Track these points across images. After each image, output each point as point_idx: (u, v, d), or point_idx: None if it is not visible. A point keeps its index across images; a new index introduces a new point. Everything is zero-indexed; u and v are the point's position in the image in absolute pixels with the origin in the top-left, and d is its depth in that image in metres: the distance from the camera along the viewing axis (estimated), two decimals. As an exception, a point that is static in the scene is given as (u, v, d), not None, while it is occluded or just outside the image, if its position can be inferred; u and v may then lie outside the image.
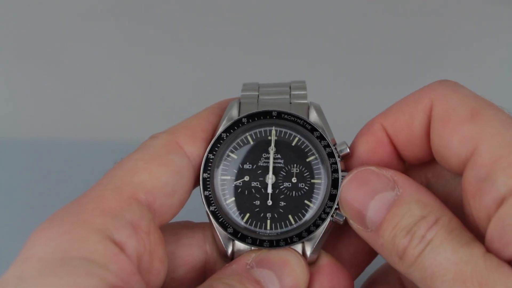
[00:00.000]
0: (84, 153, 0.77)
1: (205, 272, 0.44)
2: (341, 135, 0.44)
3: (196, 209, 0.44)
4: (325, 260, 0.43)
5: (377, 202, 0.38)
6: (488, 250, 0.35)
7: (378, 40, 0.84)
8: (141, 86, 0.83)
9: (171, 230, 0.43)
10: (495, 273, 0.33)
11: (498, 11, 0.87)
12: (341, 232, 0.46)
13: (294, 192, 0.43)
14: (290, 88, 0.45)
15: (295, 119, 0.43)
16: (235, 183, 0.43)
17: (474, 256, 0.34)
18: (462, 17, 0.86)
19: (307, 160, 0.43)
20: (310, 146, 0.43)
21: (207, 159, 0.43)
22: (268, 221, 0.43)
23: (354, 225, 0.40)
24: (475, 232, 0.37)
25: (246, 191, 0.43)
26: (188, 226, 0.44)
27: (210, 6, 0.87)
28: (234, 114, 0.44)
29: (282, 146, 0.44)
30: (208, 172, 0.43)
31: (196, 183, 0.43)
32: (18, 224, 0.66)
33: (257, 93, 0.45)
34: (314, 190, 0.43)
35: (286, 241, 0.42)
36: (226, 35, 0.86)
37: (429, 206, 0.37)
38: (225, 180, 0.43)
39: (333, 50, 0.84)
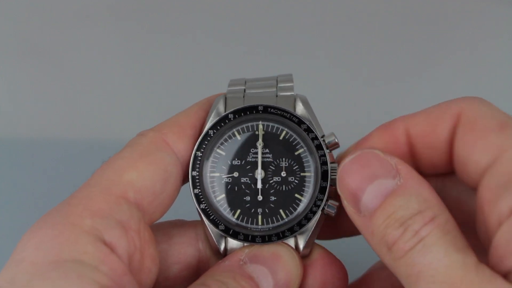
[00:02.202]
0: (84, 153, 0.78)
1: (198, 269, 0.43)
2: (337, 131, 0.44)
3: (187, 207, 0.44)
4: (318, 253, 0.42)
5: (375, 188, 0.37)
6: (490, 258, 0.34)
7: (377, 38, 0.84)
8: (141, 86, 0.84)
9: (163, 229, 0.43)
10: (487, 284, 0.32)
11: (498, 11, 0.86)
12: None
13: (284, 186, 0.43)
14: (277, 81, 0.45)
15: (282, 113, 0.43)
16: (224, 179, 0.43)
17: (467, 263, 0.33)
18: (461, 15, 0.86)
19: (296, 153, 0.43)
20: (298, 139, 0.43)
21: (195, 156, 0.42)
22: (259, 217, 0.43)
23: (348, 207, 0.39)
24: (484, 244, 0.36)
25: (236, 187, 0.43)
26: (180, 225, 0.44)
27: (203, 3, 0.88)
28: (220, 109, 0.43)
29: (270, 140, 0.43)
30: (197, 169, 0.42)
31: (184, 181, 0.43)
32: (18, 225, 0.66)
33: (243, 87, 0.45)
34: (304, 183, 0.43)
35: (278, 236, 0.41)
36: (219, 32, 0.86)
37: (428, 202, 0.36)
38: (214, 177, 0.43)
39: (330, 48, 0.84)
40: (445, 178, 0.42)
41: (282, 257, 0.40)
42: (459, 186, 0.42)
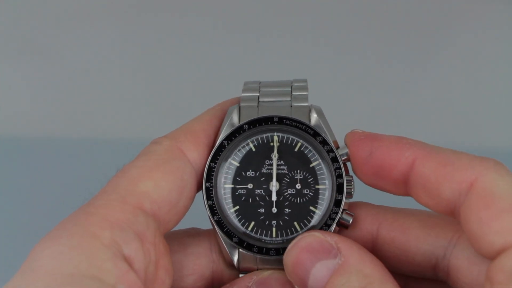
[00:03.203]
0: (84, 153, 0.77)
1: (213, 281, 0.43)
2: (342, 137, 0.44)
3: (197, 213, 0.43)
4: None
5: (318, 270, 0.38)
6: None
7: (379, 41, 0.84)
8: (142, 85, 0.84)
9: (178, 239, 0.43)
10: None
11: (498, 10, 0.86)
12: None
13: (298, 198, 0.42)
14: (291, 88, 0.44)
15: (297, 124, 0.42)
16: (238, 191, 0.43)
17: None
18: (462, 19, 0.86)
19: (311, 165, 0.43)
20: (313, 151, 0.43)
21: (209, 167, 0.42)
22: (274, 229, 0.42)
23: None
24: None
25: (250, 199, 0.43)
26: (194, 235, 0.44)
27: (211, 3, 0.87)
28: (234, 120, 0.43)
29: (285, 152, 0.43)
30: (211, 181, 0.42)
31: (199, 189, 0.42)
32: (18, 225, 0.66)
33: (257, 94, 0.44)
34: (319, 196, 0.42)
35: None
36: (227, 33, 0.86)
37: (369, 277, 0.36)
38: (228, 188, 0.43)
39: (333, 51, 0.84)
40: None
41: (290, 286, 0.40)
42: None
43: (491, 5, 0.86)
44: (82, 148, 0.80)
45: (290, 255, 0.39)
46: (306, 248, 0.39)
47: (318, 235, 0.39)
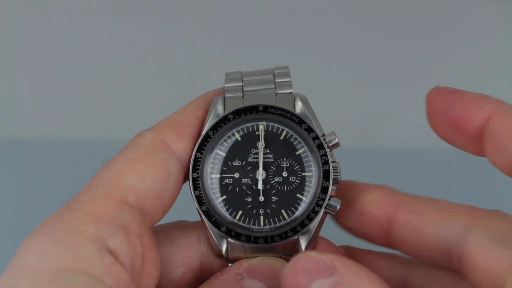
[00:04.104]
0: (82, 153, 0.78)
1: (202, 272, 0.43)
2: (334, 128, 0.44)
3: (184, 206, 0.44)
4: (321, 244, 0.43)
5: None
6: None
7: (376, 34, 0.84)
8: (142, 85, 0.84)
9: (165, 231, 0.43)
10: None
11: (498, 9, 0.86)
12: None
13: (285, 186, 0.42)
14: (273, 75, 0.44)
15: (282, 113, 0.42)
16: (225, 180, 0.43)
17: None
18: (462, 12, 0.86)
19: (297, 153, 0.43)
20: (299, 139, 0.43)
21: (195, 158, 0.42)
22: (261, 217, 0.42)
23: None
24: None
25: (237, 188, 0.43)
26: (181, 227, 0.44)
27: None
28: (219, 110, 0.43)
29: (271, 140, 0.43)
30: (197, 171, 0.42)
31: (185, 180, 0.42)
32: (17, 225, 0.66)
33: (241, 84, 0.44)
34: (306, 183, 0.42)
35: (281, 237, 0.41)
36: (211, 23, 0.85)
37: None
38: (214, 178, 0.43)
39: (328, 42, 0.84)
40: None
41: (279, 272, 0.40)
42: None
43: (491, 5, 0.85)
44: (82, 148, 0.80)
45: (287, 278, 0.39)
46: (301, 269, 0.38)
47: (313, 255, 0.39)
